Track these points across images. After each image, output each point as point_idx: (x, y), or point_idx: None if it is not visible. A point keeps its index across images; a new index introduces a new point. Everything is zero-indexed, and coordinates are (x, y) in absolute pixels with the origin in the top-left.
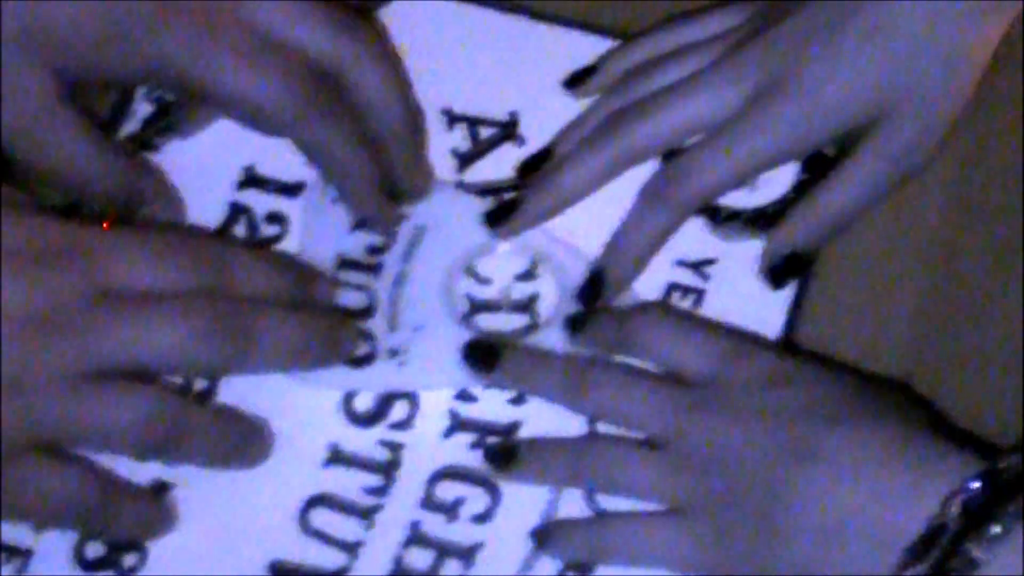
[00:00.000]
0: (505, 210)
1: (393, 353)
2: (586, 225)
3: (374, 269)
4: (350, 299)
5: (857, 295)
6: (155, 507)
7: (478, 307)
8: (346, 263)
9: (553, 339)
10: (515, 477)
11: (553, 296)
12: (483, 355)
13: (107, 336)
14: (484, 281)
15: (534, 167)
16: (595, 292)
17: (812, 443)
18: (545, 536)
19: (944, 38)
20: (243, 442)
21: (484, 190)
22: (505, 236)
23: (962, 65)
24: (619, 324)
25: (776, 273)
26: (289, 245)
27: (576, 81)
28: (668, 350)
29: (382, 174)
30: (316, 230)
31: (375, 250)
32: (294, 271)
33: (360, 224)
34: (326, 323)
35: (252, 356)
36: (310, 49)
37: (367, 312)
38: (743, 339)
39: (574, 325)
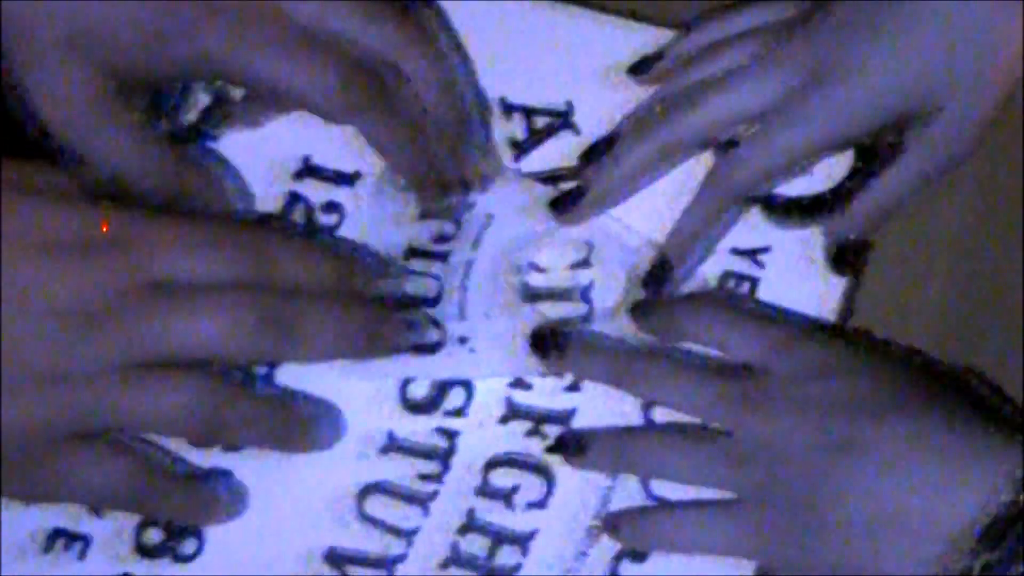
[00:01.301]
0: (571, 197)
1: (462, 340)
2: (651, 213)
3: (442, 257)
4: (418, 287)
5: (885, 288)
6: (206, 491)
7: (544, 294)
8: (414, 251)
9: (620, 326)
10: (579, 465)
11: (619, 283)
12: (551, 342)
13: (153, 327)
14: (551, 268)
15: (598, 154)
16: (661, 279)
17: (858, 436)
18: (612, 522)
19: (992, 24)
20: (296, 427)
21: (541, 179)
22: (571, 223)
23: (1010, 51)
24: (673, 311)
25: (838, 259)
26: (347, 234)
27: (641, 68)
28: (719, 339)
29: (442, 161)
30: (383, 219)
31: (442, 238)
32: (343, 262)
33: (427, 212)
34: (369, 316)
35: (296, 347)
36: (355, 41)
37: (435, 300)
38: (794, 327)
39: (638, 312)
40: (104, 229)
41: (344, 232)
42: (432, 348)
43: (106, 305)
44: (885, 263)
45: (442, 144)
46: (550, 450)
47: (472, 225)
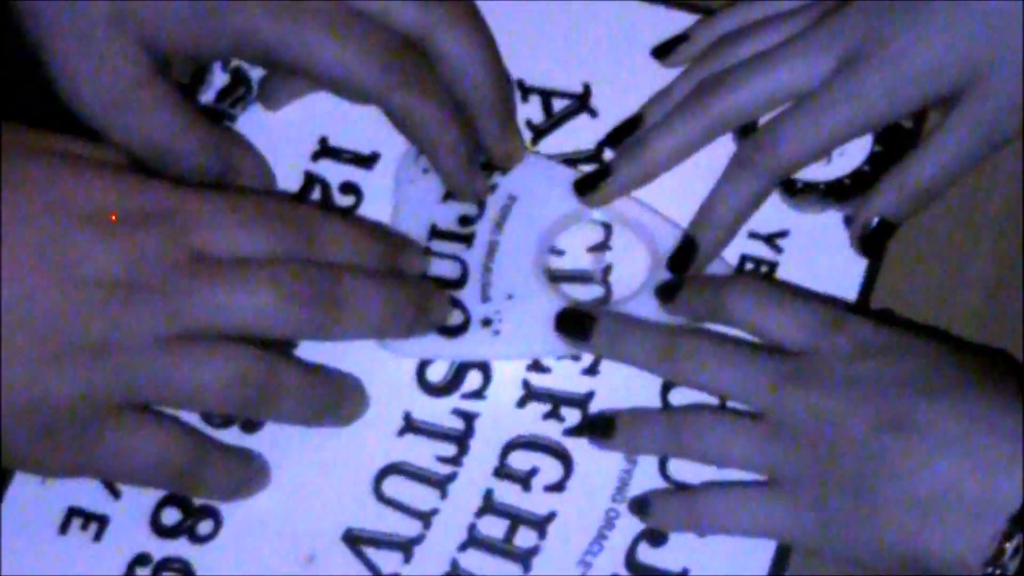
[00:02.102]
0: (595, 179)
1: (486, 322)
2: (672, 194)
3: (466, 239)
4: (442, 269)
5: (928, 269)
6: (247, 465)
7: (568, 276)
8: (438, 233)
9: (644, 307)
10: (611, 447)
11: (644, 264)
12: (576, 323)
13: (198, 299)
14: (574, 250)
15: (623, 135)
16: (686, 260)
17: (910, 414)
18: (643, 505)
19: None
20: (335, 400)
21: (564, 161)
22: (595, 204)
23: None
24: (714, 293)
25: (869, 241)
26: (366, 215)
27: (665, 50)
28: (765, 320)
29: (473, 142)
30: (408, 201)
31: (466, 220)
32: (385, 240)
33: (451, 194)
34: (415, 292)
35: (341, 322)
36: (397, 17)
37: (459, 282)
38: (840, 309)
39: (666, 293)
40: (153, 201)
41: (362, 213)
42: (456, 330)
43: (154, 276)
44: (929, 243)
45: (488, 123)
46: (578, 432)
47: (495, 207)
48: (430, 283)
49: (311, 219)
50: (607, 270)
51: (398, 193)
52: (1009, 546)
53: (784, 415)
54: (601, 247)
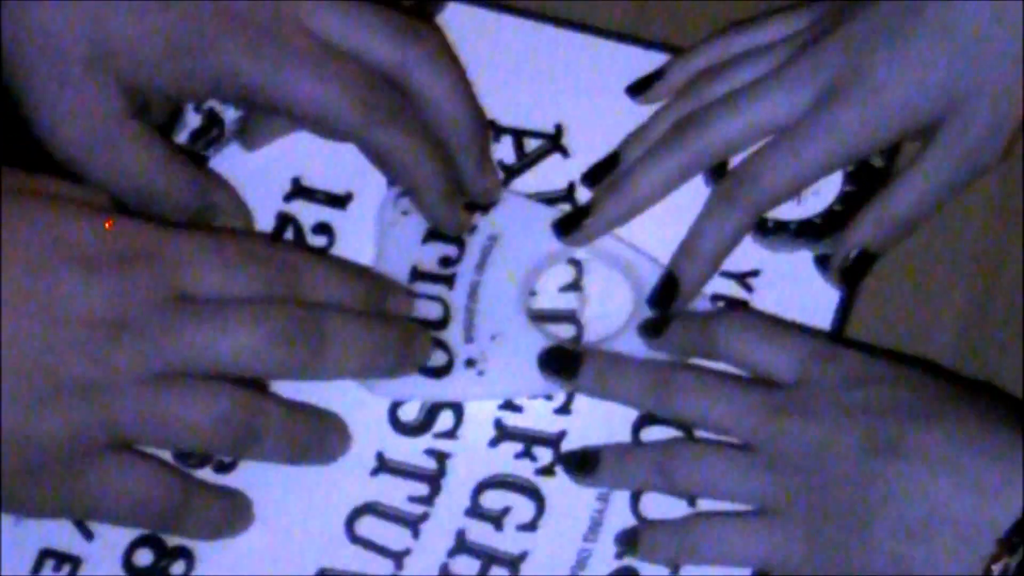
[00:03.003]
0: (576, 217)
1: (471, 363)
2: (652, 230)
3: (448, 280)
4: (425, 310)
5: (901, 304)
6: (231, 505)
7: (551, 315)
8: (420, 275)
9: (629, 345)
10: (596, 482)
11: (627, 302)
12: (563, 362)
13: (182, 339)
14: (556, 289)
15: (601, 174)
16: (669, 296)
17: (901, 440)
18: (632, 539)
19: (1009, 36)
20: (318, 437)
21: (544, 200)
22: (577, 244)
23: None
24: (702, 328)
25: (849, 272)
26: (342, 254)
27: (641, 88)
28: (754, 353)
29: (453, 177)
30: (389, 243)
31: (448, 261)
32: (368, 281)
33: (432, 235)
34: (399, 331)
35: (324, 362)
36: (374, 55)
37: (443, 323)
38: (829, 341)
39: (651, 330)
40: (137, 242)
41: (336, 253)
42: (440, 371)
43: (139, 316)
44: (905, 277)
45: (464, 159)
46: (566, 465)
47: (476, 248)
48: (414, 323)
49: (295, 260)
50: (590, 309)
51: (379, 236)
52: (996, 568)
53: (775, 446)
54: (583, 286)
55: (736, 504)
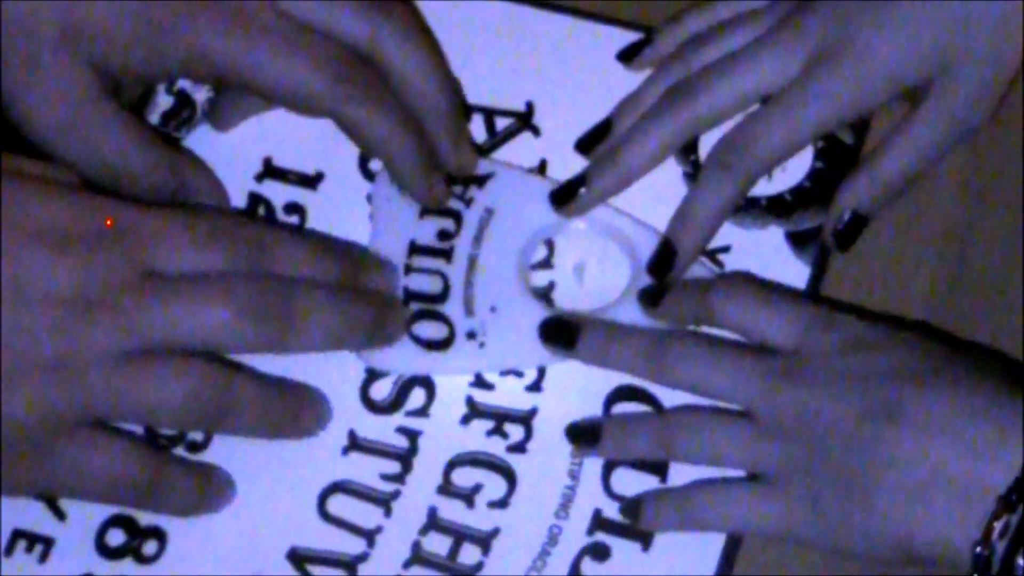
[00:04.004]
0: (572, 188)
1: (471, 336)
2: (646, 199)
3: (445, 254)
4: (424, 284)
5: (870, 284)
6: (208, 481)
7: (549, 286)
8: (418, 249)
9: (627, 314)
10: (598, 453)
11: (624, 271)
12: (562, 332)
13: (153, 316)
14: (553, 260)
15: (593, 142)
16: (666, 265)
17: (900, 403)
18: (634, 509)
19: None
20: (294, 412)
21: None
22: (572, 214)
23: (1016, 23)
24: (699, 295)
25: (841, 235)
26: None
27: (630, 54)
28: (752, 320)
29: (428, 150)
30: (385, 218)
31: (445, 235)
32: (341, 255)
33: (429, 209)
34: (372, 305)
35: (295, 335)
36: (345, 31)
37: (442, 296)
38: (826, 307)
39: (649, 298)
40: (105, 220)
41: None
42: (441, 344)
43: (107, 294)
44: (875, 254)
45: (439, 133)
46: (570, 437)
47: (473, 221)
48: (390, 296)
49: (265, 236)
50: (588, 278)
51: (376, 211)
52: (997, 526)
53: (774, 412)
54: (580, 255)
55: (734, 472)
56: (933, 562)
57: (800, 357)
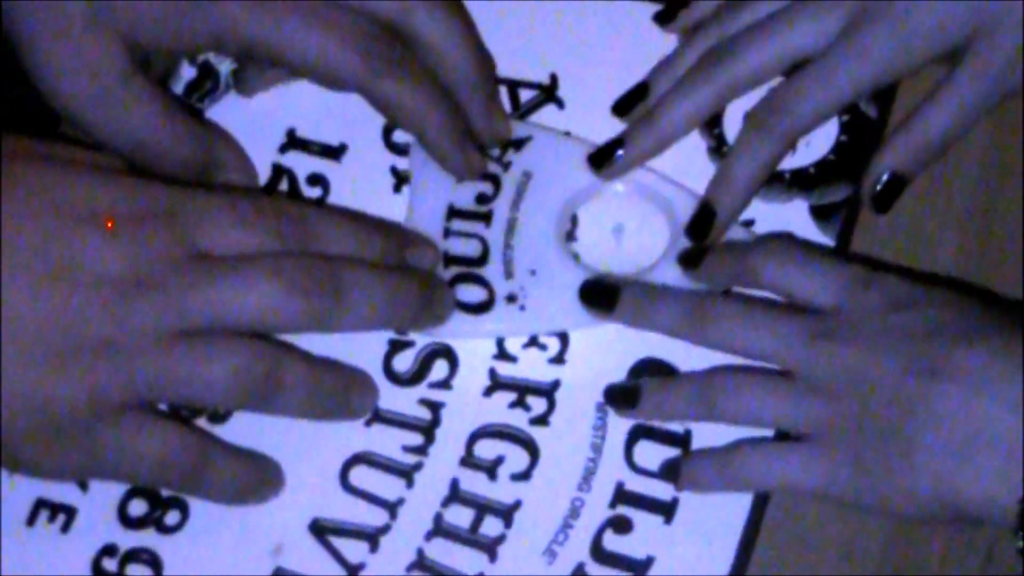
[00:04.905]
0: (608, 151)
1: (511, 298)
2: (684, 160)
3: (485, 218)
4: (464, 248)
5: (893, 258)
6: (256, 468)
7: (590, 248)
8: (457, 212)
9: (666, 276)
10: (638, 415)
11: (663, 233)
12: (602, 295)
13: (200, 296)
14: (592, 223)
15: (630, 104)
16: (705, 227)
17: (943, 360)
18: (675, 470)
19: None
20: (343, 392)
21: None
22: (611, 177)
23: None
24: (740, 257)
25: (880, 196)
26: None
27: (668, 16)
28: (793, 281)
29: (461, 122)
30: (424, 183)
31: (484, 199)
32: (386, 234)
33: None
34: (418, 283)
35: (343, 314)
36: (375, 6)
37: (482, 259)
38: (867, 266)
39: (689, 260)
40: (152, 202)
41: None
42: (481, 307)
43: (155, 275)
44: (895, 233)
45: (471, 103)
46: (605, 399)
47: (511, 185)
48: (435, 277)
49: (309, 215)
50: (627, 241)
51: (414, 176)
52: None
53: (816, 372)
54: (619, 218)
55: (769, 434)
56: (977, 519)
57: (841, 316)
